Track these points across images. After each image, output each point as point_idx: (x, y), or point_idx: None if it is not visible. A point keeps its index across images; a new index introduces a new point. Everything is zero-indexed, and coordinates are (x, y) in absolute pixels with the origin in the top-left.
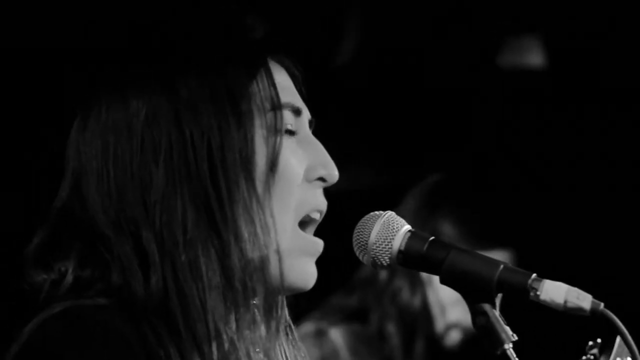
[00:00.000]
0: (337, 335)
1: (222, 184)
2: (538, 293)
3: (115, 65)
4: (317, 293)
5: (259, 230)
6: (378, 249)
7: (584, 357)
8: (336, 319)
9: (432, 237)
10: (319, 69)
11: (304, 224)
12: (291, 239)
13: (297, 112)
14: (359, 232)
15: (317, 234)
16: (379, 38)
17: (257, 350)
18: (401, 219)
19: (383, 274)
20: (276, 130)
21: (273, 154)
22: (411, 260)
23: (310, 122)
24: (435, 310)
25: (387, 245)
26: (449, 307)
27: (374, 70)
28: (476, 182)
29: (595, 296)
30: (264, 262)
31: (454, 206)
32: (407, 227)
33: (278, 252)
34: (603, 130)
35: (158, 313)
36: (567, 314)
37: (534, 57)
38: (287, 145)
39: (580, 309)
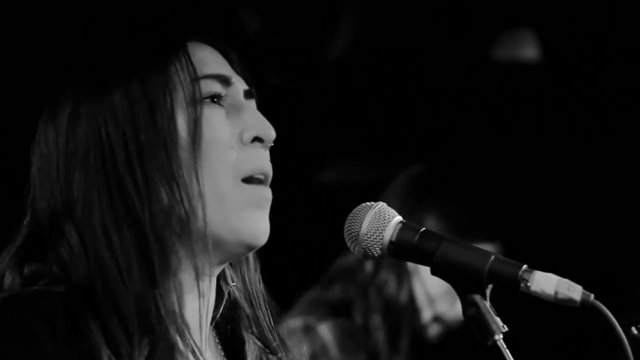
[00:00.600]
0: (325, 331)
1: (135, 163)
2: (529, 284)
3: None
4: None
5: (181, 199)
6: (369, 239)
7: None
8: (322, 313)
9: (424, 228)
10: (314, 64)
11: (251, 182)
12: (232, 195)
13: (225, 81)
14: (350, 222)
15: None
16: (375, 34)
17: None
18: (392, 210)
19: (369, 266)
20: (195, 101)
21: (194, 123)
22: (402, 251)
23: (249, 92)
24: (421, 302)
25: (379, 236)
26: (435, 300)
27: (369, 66)
28: (462, 174)
29: (584, 287)
30: (192, 231)
31: (438, 198)
32: (399, 217)
33: (204, 213)
34: (597, 126)
35: (87, 295)
36: (557, 305)
37: (529, 52)
38: (215, 113)
39: (570, 300)
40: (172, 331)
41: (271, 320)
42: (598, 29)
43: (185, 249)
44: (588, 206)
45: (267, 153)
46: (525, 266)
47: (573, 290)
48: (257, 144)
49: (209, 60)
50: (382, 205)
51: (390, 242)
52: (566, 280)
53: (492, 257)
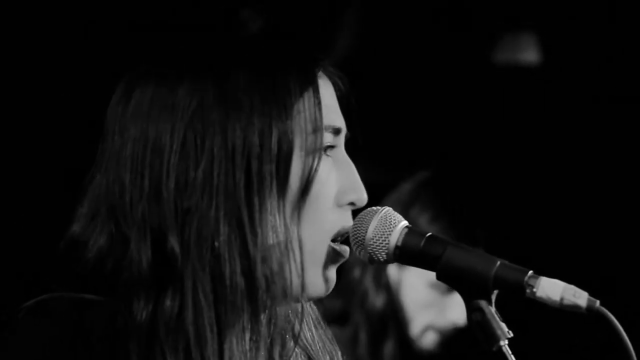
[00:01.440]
0: None
1: (255, 202)
2: (534, 290)
3: (173, 46)
4: None
5: (286, 252)
6: (375, 244)
7: None
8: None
9: (430, 233)
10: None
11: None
12: (319, 252)
13: (337, 132)
14: (356, 227)
15: None
16: (374, 34)
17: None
18: (398, 215)
19: (356, 275)
20: (314, 152)
21: (308, 177)
22: (408, 256)
23: (345, 136)
24: (407, 312)
25: (385, 240)
26: (422, 310)
27: (371, 67)
28: (464, 180)
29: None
30: (286, 285)
31: (439, 204)
32: (404, 222)
33: (303, 270)
34: (595, 127)
35: (168, 326)
36: (562, 311)
37: (530, 55)
38: (325, 166)
39: (576, 307)
40: None
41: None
42: (598, 31)
43: (279, 295)
44: (587, 208)
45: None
46: (531, 272)
47: (579, 297)
48: (349, 207)
49: (329, 101)
50: (388, 209)
51: (396, 246)
52: (572, 287)
53: (498, 262)
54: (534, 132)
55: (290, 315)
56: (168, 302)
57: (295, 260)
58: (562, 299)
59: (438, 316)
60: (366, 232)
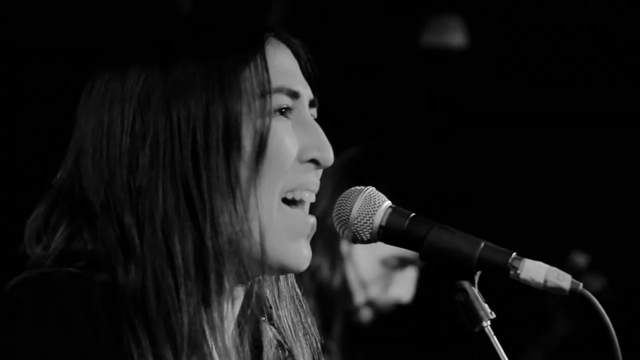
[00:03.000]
0: None
1: (202, 171)
2: (518, 272)
3: (121, 42)
4: None
5: (239, 216)
6: (359, 223)
7: None
8: None
9: (413, 214)
10: None
11: (294, 202)
12: (279, 218)
13: (294, 94)
14: (340, 206)
15: None
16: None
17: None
18: (382, 195)
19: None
20: (264, 115)
21: (261, 138)
22: (391, 236)
23: (312, 102)
24: (353, 286)
25: (369, 220)
26: (368, 284)
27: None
28: (394, 158)
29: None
30: (244, 249)
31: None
32: (388, 202)
33: (261, 235)
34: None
35: (135, 299)
36: (545, 293)
37: (456, 37)
38: (281, 127)
39: (559, 289)
40: (217, 349)
41: (298, 317)
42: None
43: (238, 265)
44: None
45: (319, 173)
46: (514, 254)
47: (562, 279)
48: (312, 165)
49: (284, 66)
50: (371, 189)
51: (380, 226)
52: (555, 269)
53: (482, 244)
54: (462, 111)
55: (267, 294)
56: (132, 277)
57: (250, 228)
58: (545, 281)
59: (381, 292)
60: (350, 211)
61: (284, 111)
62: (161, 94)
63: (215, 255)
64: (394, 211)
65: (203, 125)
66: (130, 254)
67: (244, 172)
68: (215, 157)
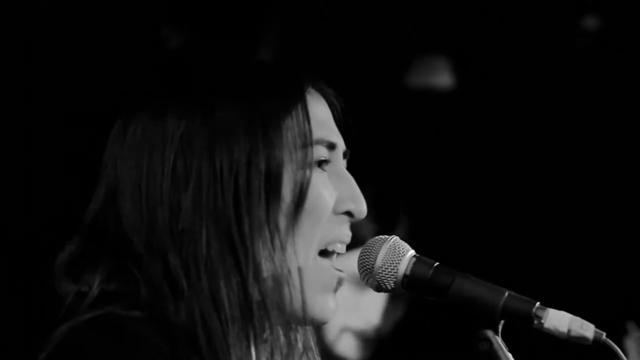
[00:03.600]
0: None
1: (244, 219)
2: (542, 321)
3: (159, 85)
4: None
5: (278, 266)
6: (384, 272)
7: None
8: None
9: (437, 263)
10: None
11: (326, 254)
12: (312, 270)
13: (331, 146)
14: (364, 255)
15: None
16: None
17: None
18: (405, 244)
19: None
20: (305, 166)
21: (301, 190)
22: (416, 285)
23: (345, 153)
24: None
25: (393, 269)
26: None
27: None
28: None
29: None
30: (282, 297)
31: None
32: (412, 252)
33: (301, 286)
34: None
35: (189, 337)
36: (569, 343)
37: (443, 78)
38: (319, 179)
39: (583, 338)
40: None
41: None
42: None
43: (276, 311)
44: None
45: (349, 224)
46: (538, 303)
47: (586, 329)
48: (346, 217)
49: (321, 117)
50: (395, 238)
51: (405, 275)
52: (579, 319)
53: (507, 293)
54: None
55: (294, 338)
56: (182, 316)
57: (291, 277)
58: (569, 330)
59: (351, 316)
60: (375, 260)
61: (321, 163)
62: (204, 139)
63: (259, 302)
64: (418, 260)
65: (245, 172)
66: (178, 294)
67: (282, 221)
68: (258, 204)
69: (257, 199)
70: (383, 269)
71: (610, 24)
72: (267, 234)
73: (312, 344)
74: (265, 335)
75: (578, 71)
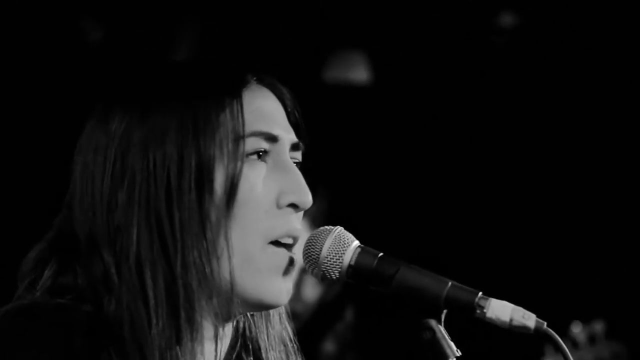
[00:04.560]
0: None
1: (175, 211)
2: (485, 311)
3: (107, 89)
4: None
5: (209, 255)
6: (329, 262)
7: None
8: None
9: (381, 254)
10: None
11: (278, 245)
12: (259, 257)
13: (272, 138)
14: (309, 245)
15: None
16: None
17: None
18: (350, 235)
19: None
20: (236, 159)
21: (232, 182)
22: (360, 275)
23: (296, 145)
24: None
25: (339, 259)
26: None
27: None
28: None
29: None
30: (214, 287)
31: None
32: (357, 242)
33: (231, 274)
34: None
35: (114, 331)
36: (511, 332)
37: (359, 73)
38: (254, 171)
39: (524, 328)
40: None
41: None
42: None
43: (209, 302)
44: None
45: (300, 215)
46: (480, 293)
47: (527, 318)
48: (290, 209)
49: (263, 110)
50: (340, 229)
51: (349, 265)
52: (520, 308)
53: (450, 283)
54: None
55: (257, 334)
56: (112, 309)
57: (220, 267)
58: (511, 320)
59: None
60: (320, 250)
61: (261, 155)
62: (140, 137)
63: (185, 292)
64: (362, 251)
65: (177, 167)
66: (110, 289)
67: (214, 214)
68: (188, 199)
69: (187, 192)
70: (328, 259)
71: (526, 22)
72: (199, 226)
73: (284, 334)
74: (199, 331)
75: (495, 67)
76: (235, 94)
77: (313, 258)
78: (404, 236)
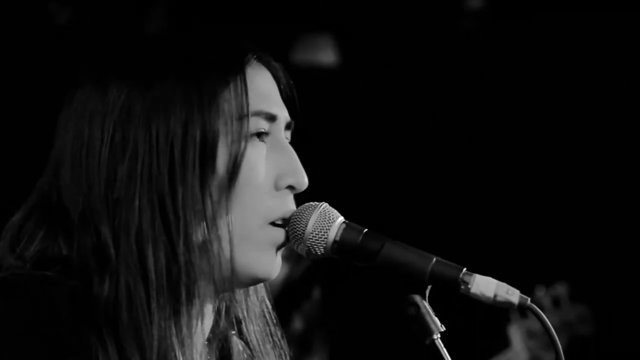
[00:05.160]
0: None
1: (178, 187)
2: (469, 286)
3: (103, 54)
4: None
5: (208, 235)
6: (314, 238)
7: None
8: None
9: (366, 230)
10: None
11: (274, 225)
12: (256, 235)
13: (271, 118)
14: (295, 222)
15: None
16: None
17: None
18: (335, 211)
19: None
20: (240, 138)
21: (235, 162)
22: (345, 251)
23: (289, 124)
24: None
25: (324, 235)
26: None
27: None
28: None
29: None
30: (214, 265)
31: None
32: (342, 218)
33: (231, 253)
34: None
35: (107, 309)
36: (495, 307)
37: (327, 56)
38: (257, 152)
39: (508, 303)
40: None
41: (267, 330)
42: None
43: (210, 279)
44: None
45: (293, 196)
46: (465, 269)
47: (512, 294)
48: (288, 190)
49: (262, 89)
50: (325, 205)
51: (335, 241)
52: (504, 284)
53: (434, 259)
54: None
55: (234, 306)
56: (105, 287)
57: (221, 245)
58: (495, 295)
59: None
60: (306, 226)
61: (260, 135)
62: (142, 109)
63: (186, 270)
64: (347, 226)
65: (181, 142)
66: (105, 264)
67: (215, 192)
68: (192, 175)
69: (191, 169)
70: (313, 235)
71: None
72: (200, 204)
73: (262, 307)
74: (194, 309)
75: (464, 52)
76: (239, 71)
77: (298, 234)
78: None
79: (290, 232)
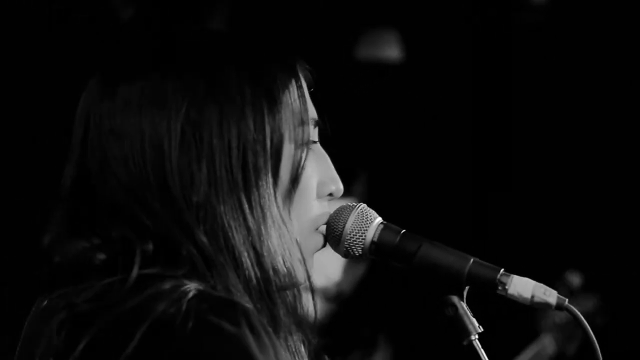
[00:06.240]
0: None
1: (254, 195)
2: (506, 287)
3: (150, 51)
4: None
5: (283, 241)
6: (352, 239)
7: None
8: None
9: (404, 230)
10: None
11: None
12: (305, 241)
13: (317, 125)
14: (333, 222)
15: None
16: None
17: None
18: (373, 211)
19: None
20: (302, 145)
21: (297, 170)
22: (383, 251)
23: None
24: None
25: (361, 236)
26: None
27: None
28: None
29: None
30: (290, 270)
31: None
32: (380, 219)
33: (302, 261)
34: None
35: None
36: (532, 308)
37: (392, 51)
38: (310, 160)
39: (546, 304)
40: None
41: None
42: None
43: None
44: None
45: None
46: (502, 270)
47: (549, 295)
48: (328, 197)
49: (307, 95)
50: (363, 206)
51: (372, 242)
52: (542, 285)
53: (472, 260)
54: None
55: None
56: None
57: (293, 250)
58: (533, 296)
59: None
60: (344, 227)
61: (309, 142)
62: (212, 112)
63: (273, 277)
64: (385, 227)
65: (252, 147)
66: (211, 273)
67: (280, 198)
68: (265, 182)
69: (263, 176)
70: (351, 235)
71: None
72: (275, 209)
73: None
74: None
75: (526, 47)
76: (297, 76)
77: (336, 234)
78: (425, 215)
79: (328, 233)
